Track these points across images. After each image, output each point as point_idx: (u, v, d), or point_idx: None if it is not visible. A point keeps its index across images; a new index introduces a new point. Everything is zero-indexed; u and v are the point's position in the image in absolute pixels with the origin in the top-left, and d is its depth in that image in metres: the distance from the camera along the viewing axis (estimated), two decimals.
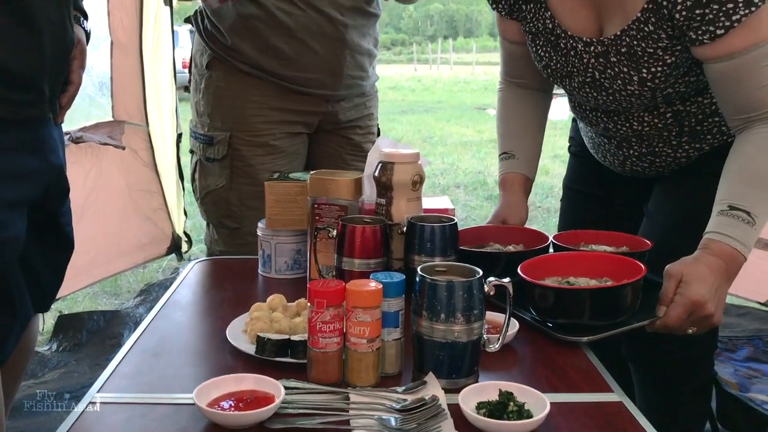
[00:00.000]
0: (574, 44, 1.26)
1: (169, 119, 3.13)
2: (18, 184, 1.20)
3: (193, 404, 0.80)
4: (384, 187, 1.23)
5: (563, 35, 1.27)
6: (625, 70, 1.21)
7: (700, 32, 1.09)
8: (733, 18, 1.05)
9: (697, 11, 1.07)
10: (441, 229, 1.16)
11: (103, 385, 0.91)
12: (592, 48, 1.23)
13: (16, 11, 1.13)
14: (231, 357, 0.99)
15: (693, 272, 1.04)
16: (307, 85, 1.60)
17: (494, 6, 1.37)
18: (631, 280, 1.04)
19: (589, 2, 1.22)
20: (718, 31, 1.07)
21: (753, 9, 1.05)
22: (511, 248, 1.30)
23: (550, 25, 1.28)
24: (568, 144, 1.60)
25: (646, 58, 1.18)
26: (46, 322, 2.56)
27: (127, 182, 2.99)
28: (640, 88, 1.21)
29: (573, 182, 1.57)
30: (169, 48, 3.04)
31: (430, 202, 1.44)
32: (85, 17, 1.43)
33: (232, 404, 0.82)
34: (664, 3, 1.11)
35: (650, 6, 1.13)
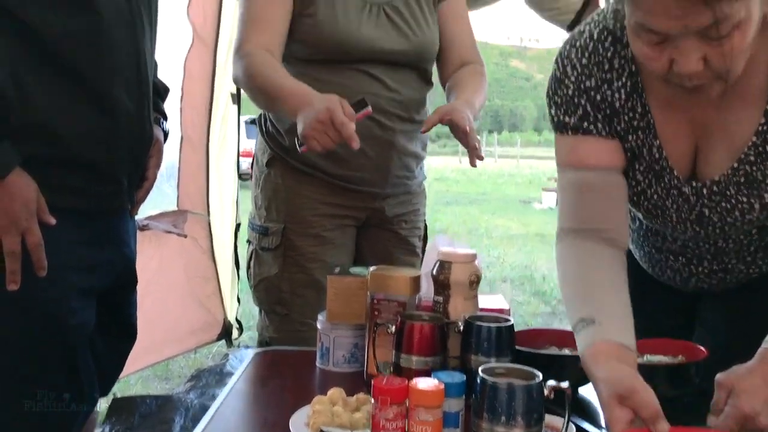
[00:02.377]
0: (678, 184, 1.12)
1: (229, 209, 3.27)
2: (91, 275, 1.27)
3: None
4: (441, 285, 1.27)
5: (668, 169, 1.12)
6: (744, 200, 1.09)
7: None
8: None
9: None
10: (498, 330, 1.19)
11: None
12: (705, 191, 1.11)
13: (98, 103, 1.22)
14: None
15: (745, 382, 0.97)
16: (356, 183, 1.70)
17: (587, 128, 1.11)
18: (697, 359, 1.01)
19: (690, 131, 1.10)
20: None
21: None
22: (566, 351, 1.31)
23: (657, 155, 1.11)
24: None
25: (766, 183, 1.06)
26: (101, 405, 2.62)
27: (186, 269, 3.11)
28: (760, 215, 1.10)
29: None
30: (234, 143, 3.23)
31: (485, 300, 1.47)
32: (165, 118, 1.55)
33: None
34: None
35: (765, 127, 1.03)
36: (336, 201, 1.72)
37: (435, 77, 1.81)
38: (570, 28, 2.96)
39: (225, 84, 3.02)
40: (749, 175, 1.07)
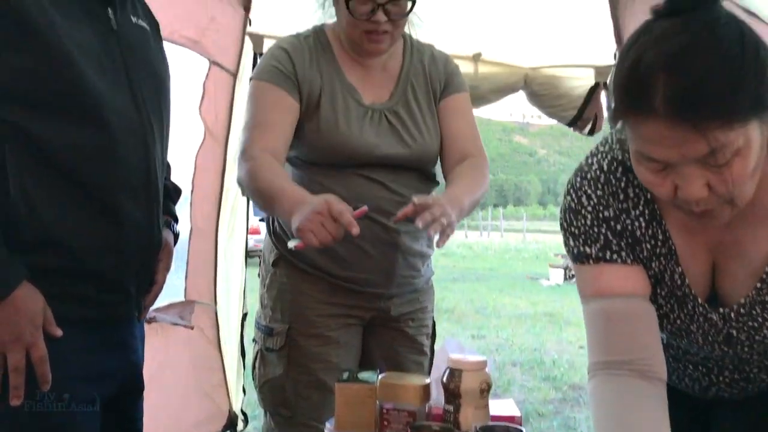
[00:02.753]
0: (704, 312, 1.09)
1: (236, 299, 3.27)
2: (96, 384, 1.26)
3: None
4: (452, 394, 1.26)
5: (691, 296, 1.09)
6: None
7: None
8: None
9: None
10: None
11: None
12: (732, 314, 1.07)
13: (107, 214, 1.23)
14: None
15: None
16: (360, 284, 1.71)
17: (610, 257, 1.08)
18: None
19: (708, 253, 1.08)
20: None
21: None
22: None
23: (679, 282, 1.09)
24: None
25: None
26: None
27: (192, 360, 3.08)
28: None
29: None
30: (243, 233, 3.26)
31: (496, 406, 1.45)
32: (176, 221, 1.57)
33: None
34: None
35: None
36: (340, 301, 1.72)
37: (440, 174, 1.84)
38: (571, 123, 3.04)
39: (235, 177, 3.07)
40: None
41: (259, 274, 1.87)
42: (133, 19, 1.36)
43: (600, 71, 3.02)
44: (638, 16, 2.86)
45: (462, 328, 7.02)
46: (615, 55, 3.05)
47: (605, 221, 1.09)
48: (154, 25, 1.46)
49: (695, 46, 0.86)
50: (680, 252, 1.08)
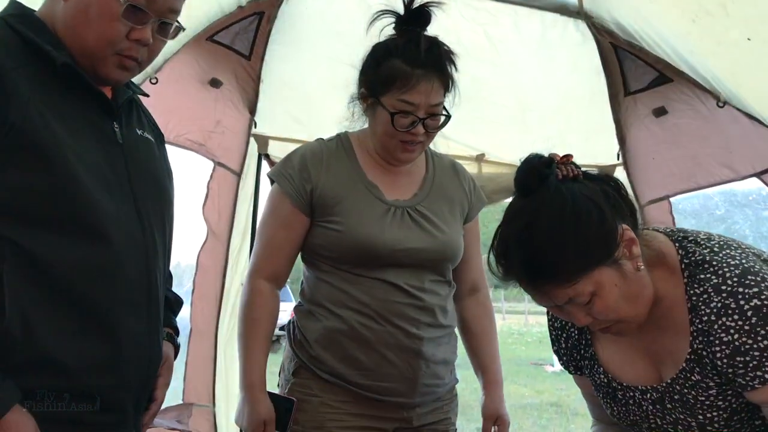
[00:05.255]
0: (632, 394, 1.26)
1: (235, 401, 3.17)
2: None
3: None
4: None
5: (619, 387, 1.28)
6: (682, 417, 1.19)
7: (748, 378, 1.07)
8: None
9: (738, 359, 1.07)
10: None
11: None
12: (648, 395, 1.23)
13: (106, 332, 1.18)
14: None
15: None
16: (383, 393, 1.65)
17: (565, 367, 1.41)
18: None
19: (644, 352, 1.24)
20: (765, 376, 1.05)
21: None
22: None
23: (605, 380, 1.30)
24: None
25: (698, 405, 1.16)
26: None
27: None
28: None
29: None
30: None
31: None
32: (177, 333, 1.52)
33: None
34: (704, 353, 1.12)
35: (693, 357, 1.15)
36: (362, 411, 1.66)
37: None
38: None
39: (236, 276, 3.05)
40: (683, 396, 1.18)
41: (278, 383, 1.81)
42: (138, 132, 1.36)
43: (604, 171, 3.04)
44: (640, 118, 2.91)
45: (467, 420, 6.78)
46: (618, 155, 3.08)
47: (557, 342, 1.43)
48: (159, 136, 1.47)
49: (530, 226, 1.11)
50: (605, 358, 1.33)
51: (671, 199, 2.96)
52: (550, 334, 1.43)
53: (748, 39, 1.92)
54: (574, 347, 1.37)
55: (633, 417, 1.28)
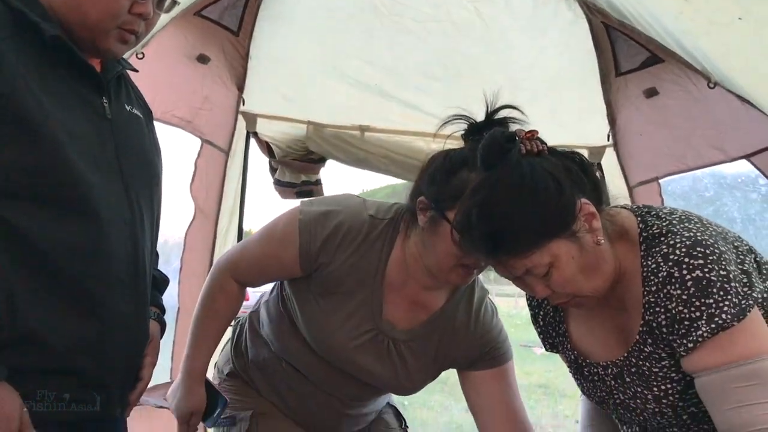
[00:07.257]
0: (596, 369, 1.30)
1: None
2: None
3: None
4: None
5: (584, 364, 1.32)
6: (639, 390, 1.21)
7: (682, 348, 1.11)
8: (697, 334, 1.07)
9: (676, 326, 1.10)
10: None
11: None
12: (609, 370, 1.27)
13: (92, 311, 1.18)
14: None
15: None
16: (308, 425, 1.69)
17: (543, 344, 1.43)
18: None
19: (613, 329, 1.26)
20: (689, 345, 1.09)
21: (716, 329, 1.06)
22: None
23: (572, 356, 1.34)
24: None
25: (653, 378, 1.19)
26: None
27: None
28: (658, 406, 1.20)
29: None
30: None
31: None
32: (163, 312, 1.51)
33: None
34: (653, 324, 1.15)
35: (645, 328, 1.17)
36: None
37: None
38: None
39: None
40: (639, 368, 1.21)
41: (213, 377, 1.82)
42: (127, 108, 1.34)
43: (594, 151, 3.04)
44: (631, 98, 2.90)
45: (455, 400, 6.83)
46: (608, 136, 3.07)
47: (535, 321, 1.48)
48: (148, 113, 1.45)
49: (488, 199, 1.12)
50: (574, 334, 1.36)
51: (660, 181, 2.96)
52: (530, 313, 1.45)
53: (739, 18, 1.90)
54: (549, 324, 1.40)
55: (600, 393, 1.31)
